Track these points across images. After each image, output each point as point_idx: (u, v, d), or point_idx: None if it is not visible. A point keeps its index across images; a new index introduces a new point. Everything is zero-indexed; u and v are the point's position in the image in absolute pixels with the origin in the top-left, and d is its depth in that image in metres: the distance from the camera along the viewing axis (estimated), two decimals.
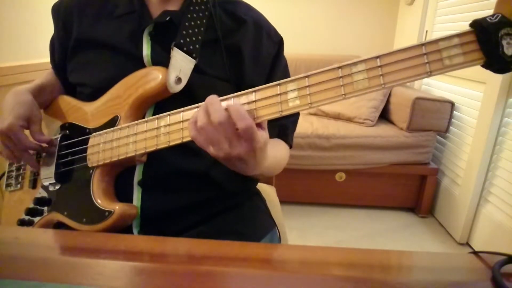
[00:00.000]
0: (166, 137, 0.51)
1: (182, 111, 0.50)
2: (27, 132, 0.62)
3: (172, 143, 0.50)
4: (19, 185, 0.69)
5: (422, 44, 0.38)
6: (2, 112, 0.61)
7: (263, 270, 0.42)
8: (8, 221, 0.69)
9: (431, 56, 0.38)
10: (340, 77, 0.41)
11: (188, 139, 0.48)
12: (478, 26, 0.36)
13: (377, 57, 0.40)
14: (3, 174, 0.73)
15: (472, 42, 0.36)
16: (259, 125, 0.45)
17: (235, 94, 0.46)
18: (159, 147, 0.51)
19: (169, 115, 0.51)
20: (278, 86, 0.44)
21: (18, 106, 0.61)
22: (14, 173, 0.71)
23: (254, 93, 0.45)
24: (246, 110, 0.44)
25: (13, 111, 0.60)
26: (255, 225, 0.69)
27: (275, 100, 0.44)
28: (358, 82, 0.40)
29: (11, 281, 0.38)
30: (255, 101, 0.45)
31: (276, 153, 0.62)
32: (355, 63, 0.40)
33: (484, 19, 0.36)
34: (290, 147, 0.71)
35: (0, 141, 0.60)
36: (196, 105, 0.49)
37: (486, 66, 0.37)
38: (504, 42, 0.35)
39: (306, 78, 0.43)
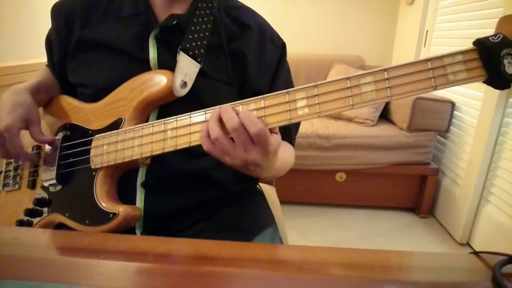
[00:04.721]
0: (173, 141, 0.50)
1: (190, 116, 0.50)
2: (24, 132, 0.61)
3: (179, 147, 0.50)
4: (17, 185, 0.69)
5: (428, 60, 0.40)
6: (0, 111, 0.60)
7: (263, 270, 0.42)
8: (4, 222, 0.68)
9: (436, 71, 0.39)
10: (349, 87, 0.42)
11: (196, 143, 0.48)
12: (481, 45, 0.38)
13: (385, 70, 0.41)
14: (0, 173, 0.72)
15: (475, 60, 0.38)
16: (271, 129, 0.46)
17: (244, 100, 0.47)
18: (165, 150, 0.51)
19: (176, 119, 0.51)
20: (287, 95, 0.45)
21: (17, 107, 0.60)
22: (11, 173, 0.70)
23: (263, 100, 0.46)
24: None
25: (12, 112, 0.59)
26: (256, 218, 0.69)
27: (284, 108, 0.45)
28: (366, 93, 0.42)
29: (11, 281, 0.38)
30: (264, 108, 0.46)
31: (285, 155, 0.63)
32: (363, 75, 0.42)
33: (487, 38, 0.38)
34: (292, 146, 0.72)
35: None
36: (204, 110, 0.49)
37: (488, 82, 0.39)
38: (505, 61, 0.37)
39: (315, 88, 0.44)
